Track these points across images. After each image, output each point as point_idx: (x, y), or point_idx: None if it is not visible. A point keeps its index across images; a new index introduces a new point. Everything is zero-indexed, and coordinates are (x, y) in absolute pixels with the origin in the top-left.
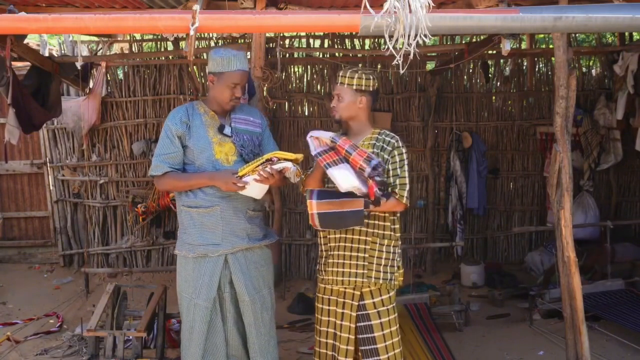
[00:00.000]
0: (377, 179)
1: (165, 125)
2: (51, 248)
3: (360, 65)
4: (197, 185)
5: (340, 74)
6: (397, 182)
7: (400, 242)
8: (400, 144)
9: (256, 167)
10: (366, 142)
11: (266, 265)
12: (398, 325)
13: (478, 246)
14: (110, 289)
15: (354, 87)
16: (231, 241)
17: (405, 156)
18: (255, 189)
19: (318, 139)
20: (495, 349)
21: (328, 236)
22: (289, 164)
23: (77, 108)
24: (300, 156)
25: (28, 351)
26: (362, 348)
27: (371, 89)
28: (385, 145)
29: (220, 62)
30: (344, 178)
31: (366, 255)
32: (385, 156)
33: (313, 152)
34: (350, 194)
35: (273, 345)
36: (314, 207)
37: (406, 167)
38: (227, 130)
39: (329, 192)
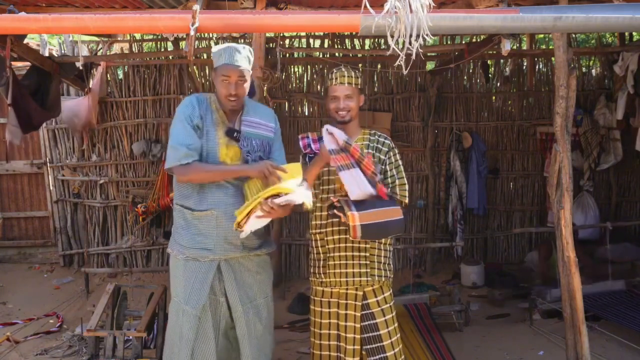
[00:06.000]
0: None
1: (183, 114)
2: (51, 248)
3: (359, 65)
4: (229, 174)
5: (346, 75)
6: (397, 182)
7: (392, 240)
8: (394, 145)
9: (256, 204)
10: (359, 142)
11: (264, 272)
12: (397, 323)
13: (478, 246)
14: (110, 289)
15: (359, 86)
16: (224, 248)
17: (399, 156)
18: (259, 222)
19: (333, 136)
20: (495, 349)
21: (326, 238)
22: (293, 198)
23: (74, 105)
24: (297, 186)
25: (28, 351)
26: (368, 347)
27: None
28: (380, 147)
29: (214, 58)
30: (358, 185)
31: (367, 254)
32: (382, 157)
33: (327, 148)
34: (385, 202)
35: (264, 355)
36: (356, 219)
37: (402, 167)
38: (236, 135)
39: (364, 201)
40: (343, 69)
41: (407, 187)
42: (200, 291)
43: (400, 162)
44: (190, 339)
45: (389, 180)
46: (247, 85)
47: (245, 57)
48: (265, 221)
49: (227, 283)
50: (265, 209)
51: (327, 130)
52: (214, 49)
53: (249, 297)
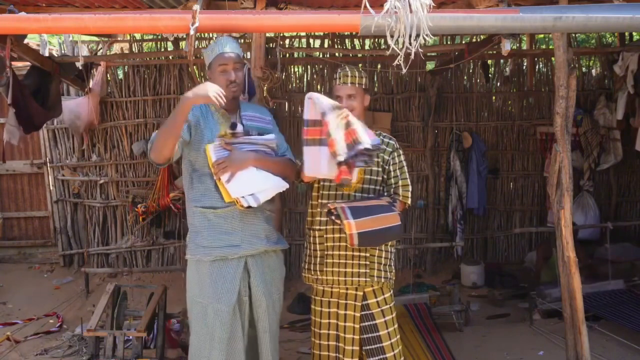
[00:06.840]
0: (359, 164)
1: None
2: (51, 248)
3: (359, 65)
4: (176, 113)
5: (349, 74)
6: (400, 183)
7: (395, 242)
8: (398, 146)
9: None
10: None
11: (279, 269)
12: (397, 324)
13: (478, 246)
14: (110, 289)
15: (363, 86)
16: (251, 242)
17: (403, 157)
18: (255, 182)
19: (314, 105)
20: (496, 349)
21: (325, 236)
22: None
23: (75, 106)
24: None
25: (28, 351)
26: (367, 348)
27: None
28: (385, 147)
29: (207, 55)
30: (314, 164)
31: (367, 254)
32: (386, 157)
33: (304, 117)
34: (382, 209)
35: (275, 351)
36: (353, 227)
37: (405, 168)
38: (240, 128)
39: (361, 207)
40: (347, 69)
41: (410, 187)
42: (232, 289)
43: (404, 163)
44: (224, 338)
45: (392, 180)
46: (241, 74)
47: (235, 45)
48: (262, 177)
49: (254, 279)
50: (217, 169)
51: (308, 97)
52: (204, 50)
53: (270, 292)
